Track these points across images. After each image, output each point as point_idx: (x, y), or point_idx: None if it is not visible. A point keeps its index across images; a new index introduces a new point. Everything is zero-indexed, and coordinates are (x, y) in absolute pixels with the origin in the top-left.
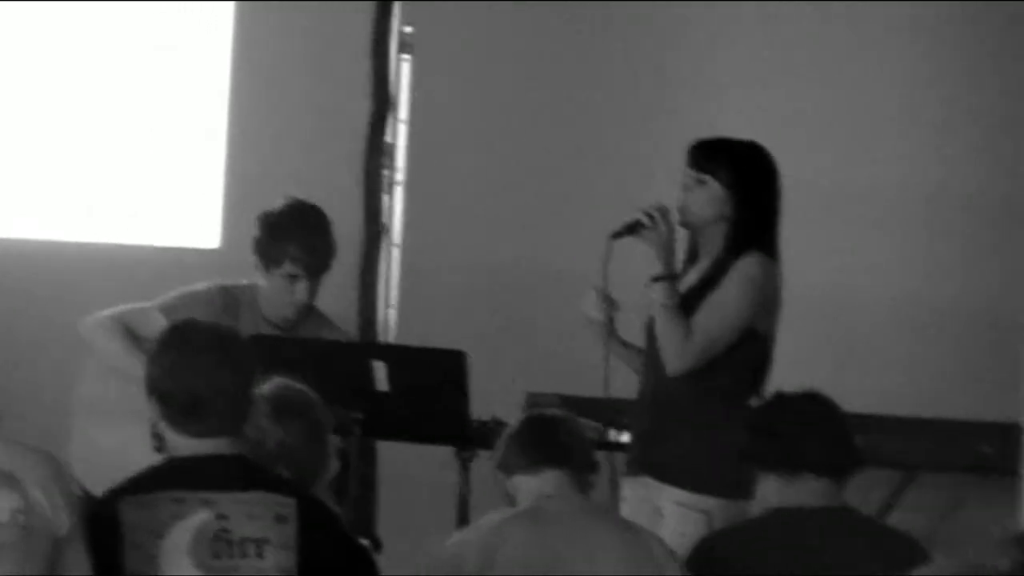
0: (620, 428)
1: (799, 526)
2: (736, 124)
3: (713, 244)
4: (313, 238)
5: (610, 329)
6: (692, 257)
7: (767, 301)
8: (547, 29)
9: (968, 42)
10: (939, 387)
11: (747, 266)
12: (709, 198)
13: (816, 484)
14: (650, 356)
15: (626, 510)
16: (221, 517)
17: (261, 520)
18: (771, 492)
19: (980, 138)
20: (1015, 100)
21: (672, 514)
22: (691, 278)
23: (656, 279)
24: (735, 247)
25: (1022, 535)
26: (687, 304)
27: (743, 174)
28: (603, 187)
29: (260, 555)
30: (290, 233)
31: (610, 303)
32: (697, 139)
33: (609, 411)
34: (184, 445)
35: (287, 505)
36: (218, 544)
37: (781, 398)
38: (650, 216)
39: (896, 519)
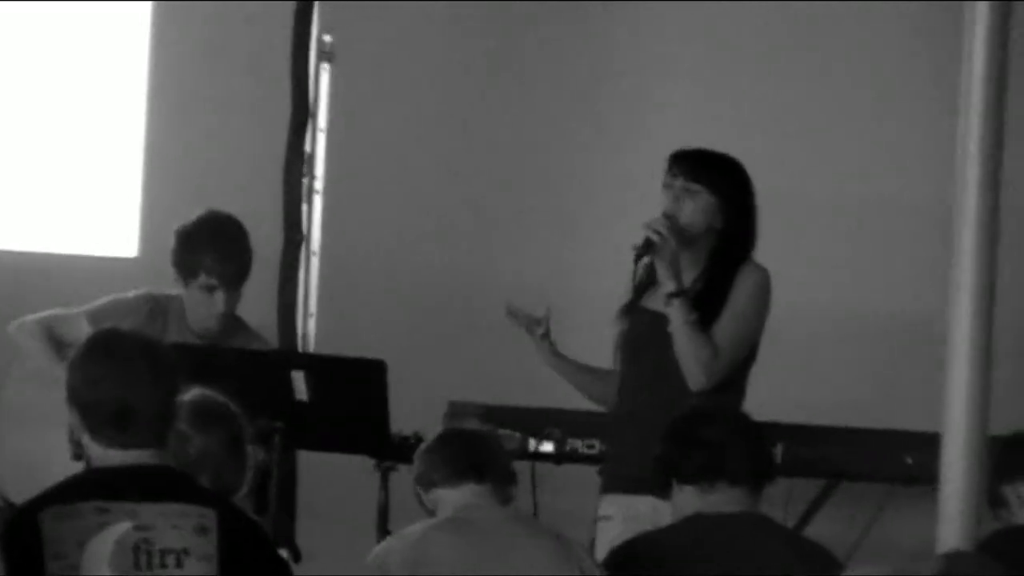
0: (541, 438)
1: (716, 531)
2: (659, 129)
3: (696, 255)
4: (228, 249)
5: (547, 344)
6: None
7: (767, 312)
8: (467, 37)
9: (897, 46)
10: (863, 396)
11: (756, 276)
12: (701, 208)
13: (732, 493)
14: (651, 372)
15: (614, 529)
16: (142, 528)
17: (182, 531)
18: (687, 502)
19: (907, 149)
20: (943, 109)
21: None
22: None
23: (673, 295)
24: (728, 258)
25: (952, 552)
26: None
27: (733, 185)
28: (523, 194)
29: (180, 565)
30: (205, 245)
31: (527, 319)
32: (681, 149)
33: (530, 420)
34: (106, 456)
35: (208, 516)
36: (138, 555)
37: (696, 410)
38: (658, 232)
39: (818, 528)
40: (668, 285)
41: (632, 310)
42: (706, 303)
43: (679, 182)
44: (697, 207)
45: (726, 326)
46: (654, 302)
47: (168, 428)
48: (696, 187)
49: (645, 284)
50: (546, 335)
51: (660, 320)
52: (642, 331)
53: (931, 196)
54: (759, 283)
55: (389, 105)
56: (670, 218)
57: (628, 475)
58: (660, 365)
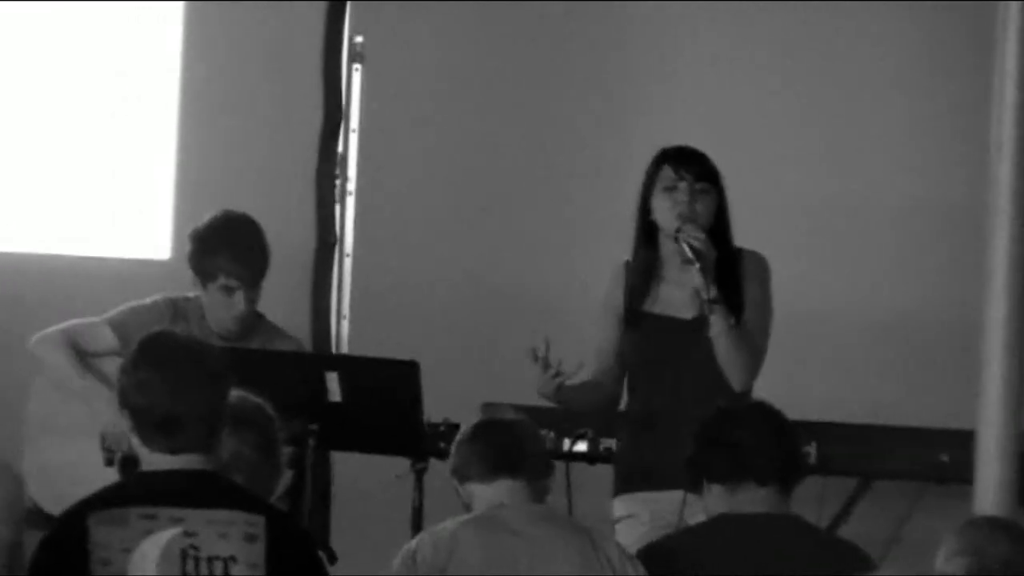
0: (575, 438)
1: (743, 531)
2: (696, 128)
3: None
4: (243, 248)
5: (559, 392)
6: (649, 267)
7: None
8: (498, 37)
9: (929, 46)
10: (897, 395)
11: (760, 263)
12: (712, 208)
13: (760, 492)
14: (678, 374)
15: (640, 527)
16: (190, 534)
17: (230, 538)
18: (717, 501)
19: (940, 147)
20: (972, 108)
21: None
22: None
23: (715, 301)
24: (731, 251)
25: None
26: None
27: (721, 179)
28: (554, 197)
29: (227, 573)
30: (220, 246)
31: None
32: (675, 148)
33: (563, 421)
34: (156, 460)
35: (256, 524)
36: (186, 561)
37: (727, 410)
38: (699, 239)
39: (852, 527)
40: (708, 292)
41: (638, 316)
42: (725, 299)
43: (686, 184)
44: (709, 207)
45: (756, 322)
46: (660, 306)
47: (217, 433)
48: (705, 186)
49: (640, 290)
50: (557, 373)
51: (682, 325)
52: (664, 336)
53: (963, 194)
54: (764, 268)
55: (420, 105)
56: (693, 222)
57: (655, 472)
58: (688, 367)
